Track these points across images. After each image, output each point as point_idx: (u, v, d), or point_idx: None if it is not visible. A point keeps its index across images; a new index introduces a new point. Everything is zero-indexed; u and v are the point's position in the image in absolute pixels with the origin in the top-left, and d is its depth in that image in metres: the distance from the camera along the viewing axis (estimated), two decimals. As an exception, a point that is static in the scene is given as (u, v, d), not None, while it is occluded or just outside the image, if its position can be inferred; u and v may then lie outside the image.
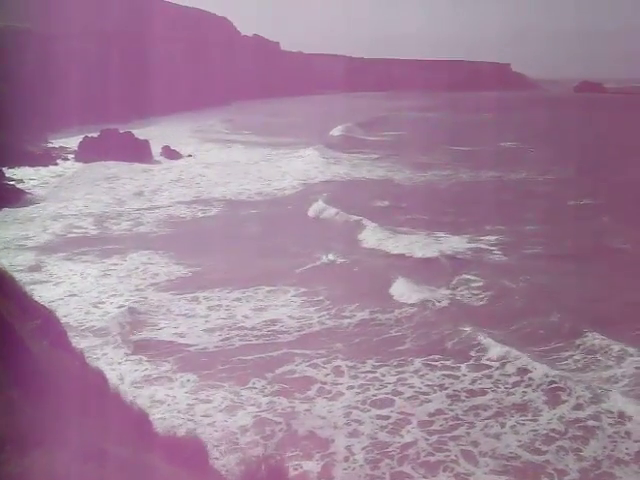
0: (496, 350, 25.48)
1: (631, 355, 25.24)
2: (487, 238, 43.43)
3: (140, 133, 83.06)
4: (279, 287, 33.36)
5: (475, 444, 19.91)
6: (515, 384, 23.39)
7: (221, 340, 27.16)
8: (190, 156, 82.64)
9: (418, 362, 25.22)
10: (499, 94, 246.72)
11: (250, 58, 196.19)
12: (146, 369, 24.33)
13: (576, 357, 25.71)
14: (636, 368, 24.41)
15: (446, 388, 23.32)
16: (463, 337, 27.07)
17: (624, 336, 26.84)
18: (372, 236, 43.14)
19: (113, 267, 36.98)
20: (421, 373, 24.41)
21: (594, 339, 26.57)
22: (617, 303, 31.31)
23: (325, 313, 30.06)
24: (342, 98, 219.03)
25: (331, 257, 37.84)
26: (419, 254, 39.13)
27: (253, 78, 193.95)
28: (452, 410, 21.82)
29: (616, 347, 25.83)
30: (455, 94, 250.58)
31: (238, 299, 31.64)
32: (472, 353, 25.80)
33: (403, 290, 32.36)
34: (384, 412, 21.71)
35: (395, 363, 25.14)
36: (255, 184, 65.17)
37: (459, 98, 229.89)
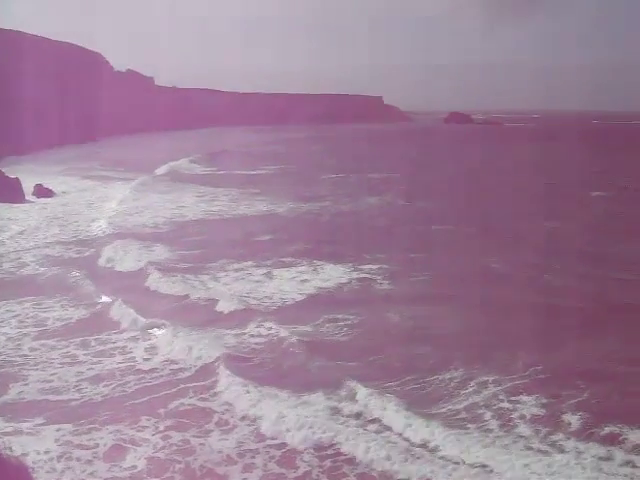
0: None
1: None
2: (369, 267, 44.69)
3: (9, 171, 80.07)
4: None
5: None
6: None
7: None
8: (64, 193, 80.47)
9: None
10: (371, 126, 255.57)
11: (123, 93, 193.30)
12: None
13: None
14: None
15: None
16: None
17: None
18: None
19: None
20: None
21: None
22: (490, 332, 32.73)
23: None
24: (222, 132, 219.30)
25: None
26: (294, 292, 39.61)
27: (126, 113, 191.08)
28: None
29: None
30: (333, 126, 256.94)
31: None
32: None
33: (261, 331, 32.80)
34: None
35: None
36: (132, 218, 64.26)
37: (336, 130, 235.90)
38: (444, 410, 24.83)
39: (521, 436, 23.01)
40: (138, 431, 23.17)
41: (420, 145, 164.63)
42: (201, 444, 22.47)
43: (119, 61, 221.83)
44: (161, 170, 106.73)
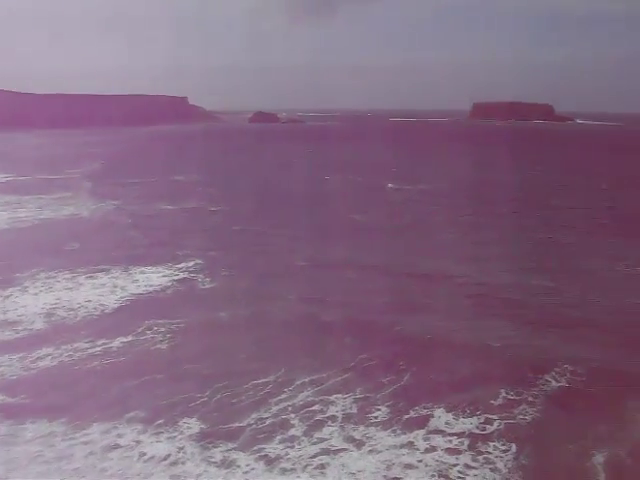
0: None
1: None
2: (183, 265, 44.88)
3: None
4: None
5: None
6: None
7: None
8: None
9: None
10: (176, 127, 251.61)
11: None
12: None
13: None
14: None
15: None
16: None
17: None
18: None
19: None
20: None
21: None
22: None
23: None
24: (16, 136, 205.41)
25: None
26: (108, 301, 37.94)
27: None
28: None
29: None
30: (133, 128, 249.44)
31: None
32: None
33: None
34: None
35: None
36: None
37: (137, 132, 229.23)
38: (251, 420, 24.42)
39: (323, 439, 23.28)
40: None
41: (225, 145, 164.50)
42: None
43: None
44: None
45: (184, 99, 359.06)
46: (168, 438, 23.26)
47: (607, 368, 28.74)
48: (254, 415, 24.69)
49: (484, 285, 40.97)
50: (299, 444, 22.88)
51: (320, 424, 24.10)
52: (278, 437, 23.28)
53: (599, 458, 21.88)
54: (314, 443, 22.89)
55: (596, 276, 43.74)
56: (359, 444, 22.79)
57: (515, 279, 42.59)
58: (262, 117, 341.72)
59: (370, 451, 22.33)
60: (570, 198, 77.90)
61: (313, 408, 25.23)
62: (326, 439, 23.12)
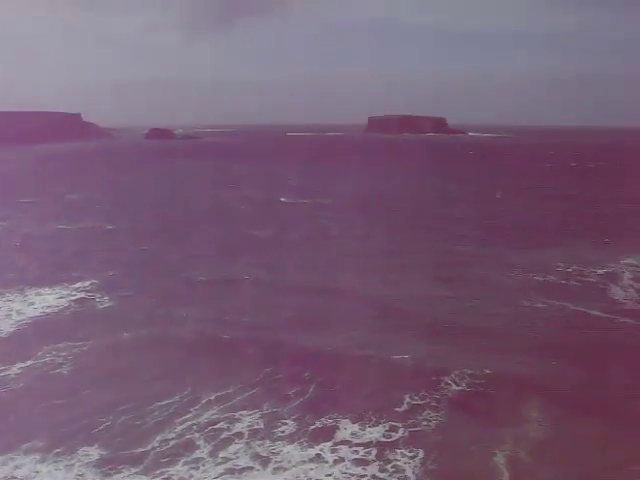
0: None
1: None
2: (80, 285, 43.70)
3: None
4: None
5: None
6: None
7: None
8: None
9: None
10: (69, 144, 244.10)
11: None
12: None
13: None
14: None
15: None
16: None
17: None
18: None
19: None
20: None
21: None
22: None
23: None
24: None
25: None
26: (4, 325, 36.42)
27: None
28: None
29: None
30: (23, 146, 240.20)
31: None
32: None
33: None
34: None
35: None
36: None
37: (27, 150, 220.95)
38: (156, 443, 23.75)
39: (228, 458, 22.96)
40: None
41: (121, 162, 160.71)
42: None
43: None
44: None
45: (77, 116, 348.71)
46: (67, 466, 22.36)
47: (503, 371, 29.70)
48: (158, 437, 24.10)
49: (383, 297, 41.52)
50: (204, 465, 22.45)
51: (226, 442, 23.77)
52: (182, 459, 22.79)
53: (501, 459, 22.50)
54: (219, 463, 22.52)
55: (491, 284, 45.15)
56: (265, 461, 22.59)
57: (413, 290, 43.45)
58: (158, 133, 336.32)
59: (276, 469, 22.14)
60: (466, 208, 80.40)
61: (219, 426, 24.87)
62: (231, 458, 22.80)
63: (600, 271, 47.93)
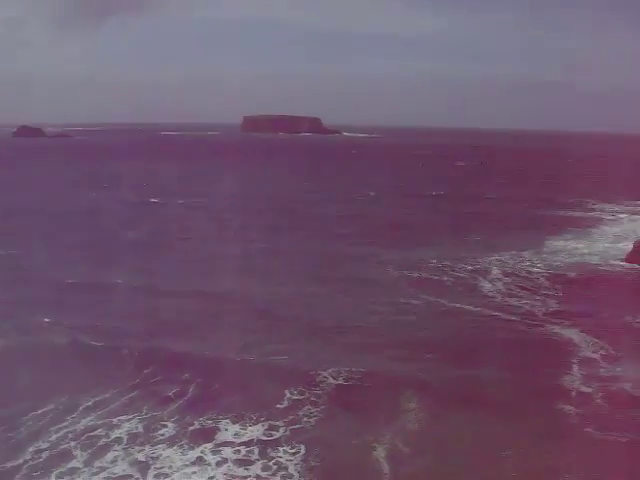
0: None
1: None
2: None
3: None
4: None
5: None
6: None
7: None
8: None
9: None
10: None
11: None
12: None
13: None
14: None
15: None
16: None
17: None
18: None
19: None
20: None
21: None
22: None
23: None
24: None
25: None
26: None
27: None
28: None
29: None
30: None
31: None
32: None
33: None
34: None
35: None
36: None
37: None
38: (28, 455, 22.69)
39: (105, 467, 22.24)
40: None
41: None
42: None
43: None
44: None
45: None
46: None
47: (380, 367, 30.58)
48: (31, 449, 23.05)
49: (261, 298, 41.57)
50: (79, 476, 21.64)
51: (103, 450, 23.04)
52: (56, 470, 21.89)
53: (381, 452, 23.05)
54: (95, 473, 21.75)
55: (367, 282, 46.11)
56: (145, 467, 22.05)
57: (290, 290, 43.76)
58: (27, 131, 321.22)
59: (157, 475, 21.67)
60: (340, 207, 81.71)
61: (96, 433, 24.10)
62: (108, 467, 22.06)
63: (470, 267, 50.04)
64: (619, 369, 30.59)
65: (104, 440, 23.64)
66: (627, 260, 52.80)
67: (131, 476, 21.57)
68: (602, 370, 30.55)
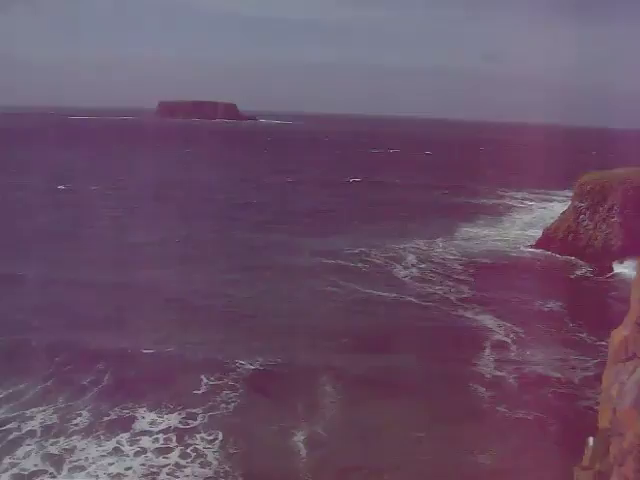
0: None
1: None
2: None
3: None
4: None
5: None
6: None
7: None
8: None
9: None
10: None
11: None
12: None
13: None
14: None
15: None
16: None
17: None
18: None
19: None
20: None
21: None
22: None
23: None
24: None
25: None
26: None
27: None
28: None
29: None
30: None
31: None
32: None
33: None
34: None
35: None
36: None
37: None
38: None
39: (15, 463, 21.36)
40: None
41: None
42: None
43: None
44: None
45: None
46: None
47: (298, 354, 30.83)
48: (-64, 447, 21.98)
49: (177, 288, 41.06)
50: (-15, 474, 20.76)
51: (15, 444, 22.22)
52: (-41, 471, 20.96)
53: (300, 436, 23.18)
54: (4, 470, 20.83)
55: (284, 269, 46.24)
56: (59, 461, 21.36)
57: (208, 280, 43.40)
58: None
59: (72, 468, 21.04)
60: (259, 193, 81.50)
61: (8, 427, 23.23)
62: (19, 463, 21.22)
63: (385, 254, 50.77)
64: (529, 352, 31.72)
65: (16, 433, 22.85)
66: (536, 246, 54.83)
67: (44, 471, 20.86)
68: (513, 354, 31.60)
